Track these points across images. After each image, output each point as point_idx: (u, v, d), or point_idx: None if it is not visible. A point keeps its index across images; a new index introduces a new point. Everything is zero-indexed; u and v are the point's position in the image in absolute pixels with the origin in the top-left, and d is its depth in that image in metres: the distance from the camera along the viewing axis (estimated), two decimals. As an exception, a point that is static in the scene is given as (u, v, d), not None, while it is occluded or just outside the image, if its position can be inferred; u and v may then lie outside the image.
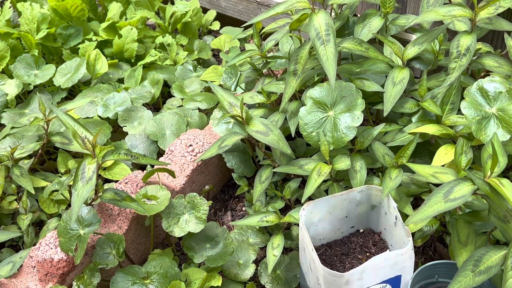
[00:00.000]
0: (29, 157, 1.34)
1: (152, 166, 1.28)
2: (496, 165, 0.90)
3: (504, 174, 1.26)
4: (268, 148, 1.29)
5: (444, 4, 1.26)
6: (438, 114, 1.10)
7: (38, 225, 1.32)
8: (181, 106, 1.50)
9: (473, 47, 1.09)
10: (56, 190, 1.26)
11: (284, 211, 1.31)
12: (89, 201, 1.17)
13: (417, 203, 1.24)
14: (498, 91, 1.02)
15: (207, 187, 1.31)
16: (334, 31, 1.07)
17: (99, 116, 1.44)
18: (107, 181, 1.37)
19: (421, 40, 1.14)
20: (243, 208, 1.36)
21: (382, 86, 1.17)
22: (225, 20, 1.91)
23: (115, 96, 1.46)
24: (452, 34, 1.37)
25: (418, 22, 1.10)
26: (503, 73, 1.12)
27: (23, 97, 1.60)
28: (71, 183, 1.13)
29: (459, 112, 1.08)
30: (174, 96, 1.55)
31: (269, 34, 1.43)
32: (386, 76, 1.16)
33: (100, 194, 1.12)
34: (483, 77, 1.25)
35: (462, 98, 1.05)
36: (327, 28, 1.07)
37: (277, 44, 1.45)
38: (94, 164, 1.05)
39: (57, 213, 1.28)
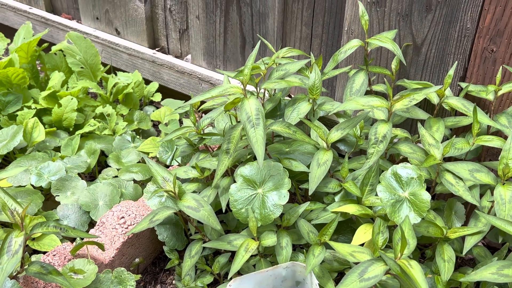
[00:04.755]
0: (-46, 225, 1.31)
1: (82, 238, 1.28)
2: (405, 247, 0.97)
3: (422, 251, 1.35)
4: (200, 221, 1.32)
5: (366, 93, 1.38)
6: (358, 195, 1.18)
7: (-42, 297, 1.27)
8: (117, 176, 1.52)
9: (389, 134, 1.19)
10: (-20, 261, 1.23)
11: (214, 285, 1.33)
12: (15, 274, 1.15)
13: (341, 277, 1.29)
14: (410, 177, 1.12)
15: (137, 260, 1.31)
16: (263, 115, 1.15)
17: (32, 185, 1.44)
18: (36, 251, 1.35)
19: (344, 125, 1.23)
20: (173, 282, 1.37)
21: (309, 166, 1.24)
22: (167, 92, 1.98)
23: (49, 165, 1.46)
24: (375, 119, 1.48)
25: (340, 110, 1.20)
26: (417, 158, 1.23)
27: (-46, 162, 1.58)
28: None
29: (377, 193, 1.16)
30: (110, 166, 1.57)
31: (208, 109, 1.50)
32: (313, 157, 1.24)
33: (26, 266, 1.11)
34: (401, 161, 1.36)
35: (380, 181, 1.13)
36: (257, 113, 1.15)
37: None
38: (22, 237, 1.05)
39: (-21, 285, 1.24)
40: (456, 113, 1.39)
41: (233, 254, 1.30)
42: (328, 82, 1.64)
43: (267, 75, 1.39)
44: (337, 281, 1.28)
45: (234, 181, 1.22)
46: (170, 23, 1.90)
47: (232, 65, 1.78)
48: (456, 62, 1.33)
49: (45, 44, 1.91)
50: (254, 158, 1.36)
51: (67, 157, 1.53)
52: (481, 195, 1.21)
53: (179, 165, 1.52)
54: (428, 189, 1.27)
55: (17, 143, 1.52)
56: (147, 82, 1.99)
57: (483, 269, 1.02)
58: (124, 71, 2.00)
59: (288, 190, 1.19)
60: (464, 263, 1.44)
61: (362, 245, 1.15)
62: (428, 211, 1.17)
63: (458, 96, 1.36)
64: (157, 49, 1.97)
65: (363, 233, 1.15)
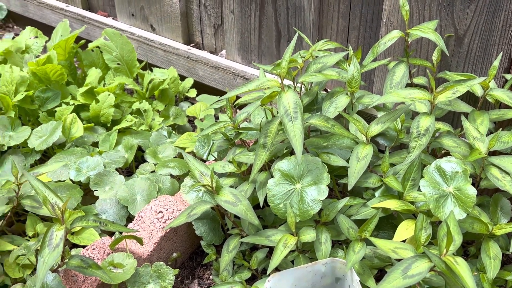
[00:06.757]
0: (-3, 219, 1.33)
1: (121, 232, 1.29)
2: (451, 243, 0.94)
3: (465, 248, 1.31)
4: (237, 216, 1.32)
5: (406, 86, 1.35)
6: (399, 190, 1.15)
7: (1, 290, 1.30)
8: (154, 171, 1.52)
9: (432, 128, 1.15)
10: (23, 255, 1.25)
11: (251, 280, 1.32)
12: (55, 267, 1.16)
13: (382, 274, 1.27)
14: (455, 171, 1.08)
15: (175, 254, 1.31)
16: (301, 109, 1.13)
17: (71, 180, 1.46)
18: (75, 245, 1.37)
19: (384, 119, 1.20)
20: (211, 277, 1.36)
21: (348, 160, 1.22)
22: (202, 87, 1.97)
23: (88, 160, 1.48)
24: (415, 112, 1.44)
25: (381, 102, 1.17)
26: (461, 152, 1.19)
27: (-4, 158, 1.61)
28: (38, 247, 1.13)
29: (420, 188, 1.13)
30: (147, 161, 1.58)
31: (243, 104, 1.49)
32: (352, 151, 1.22)
33: (67, 260, 1.12)
34: (443, 155, 1.32)
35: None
36: (295, 106, 1.13)
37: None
38: (62, 231, 1.06)
39: (22, 278, 1.26)
40: (500, 105, 1.34)
41: (270, 249, 1.29)
42: (366, 75, 1.61)
43: (304, 68, 1.36)
44: (377, 278, 1.25)
45: (272, 176, 1.21)
46: (205, 18, 1.89)
47: (267, 59, 1.77)
48: (501, 53, 1.28)
49: (82, 41, 1.93)
50: (291, 153, 1.34)
51: (105, 152, 1.54)
52: (529, 190, 1.17)
53: (215, 159, 1.51)
54: (472, 185, 1.23)
55: (56, 139, 1.54)
56: (182, 78, 1.99)
57: (533, 267, 0.98)
58: (159, 67, 2.01)
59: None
60: (510, 260, 1.39)
61: (404, 241, 1.12)
62: (472, 207, 1.13)
63: (502, 88, 1.32)
64: (191, 44, 1.96)
65: (405, 229, 1.12)
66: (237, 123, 1.34)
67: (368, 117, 1.51)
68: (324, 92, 1.63)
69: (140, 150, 1.69)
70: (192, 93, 1.91)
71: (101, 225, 1.11)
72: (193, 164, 1.23)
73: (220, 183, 1.22)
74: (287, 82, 1.50)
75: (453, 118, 1.45)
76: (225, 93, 1.87)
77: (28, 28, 2.03)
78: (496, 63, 1.24)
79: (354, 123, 1.20)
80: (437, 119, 1.39)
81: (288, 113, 1.13)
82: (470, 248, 1.28)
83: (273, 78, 1.19)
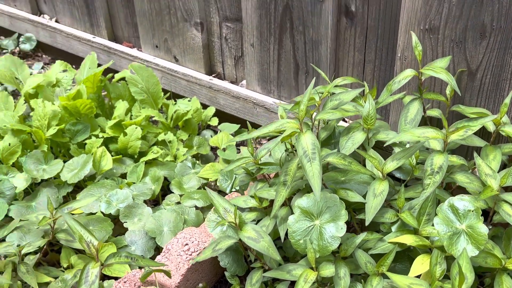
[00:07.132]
0: (34, 252, 1.42)
1: (150, 264, 1.36)
2: (463, 282, 0.98)
3: (481, 279, 1.35)
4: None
5: (421, 119, 1.39)
6: (415, 226, 1.20)
7: (39, 319, 1.38)
8: (179, 202, 1.60)
9: (445, 165, 1.20)
10: None
11: (273, 309, 1.38)
12: (90, 300, 1.24)
13: (399, 304, 1.31)
14: (467, 209, 1.13)
15: (200, 285, 1.38)
16: (319, 149, 1.19)
17: (102, 212, 1.54)
18: (106, 276, 1.45)
19: (399, 156, 1.25)
20: (235, 306, 1.43)
21: (364, 196, 1.27)
22: (223, 116, 2.05)
23: (117, 193, 1.56)
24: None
25: (395, 141, 1.22)
26: (474, 188, 1.23)
27: (30, 189, 1.70)
28: (75, 282, 1.21)
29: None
30: (173, 192, 1.66)
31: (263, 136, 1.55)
32: (368, 187, 1.27)
33: (101, 294, 1.20)
34: (457, 188, 1.36)
35: (436, 212, 1.15)
36: (313, 148, 1.19)
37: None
38: (97, 268, 1.14)
39: (58, 309, 1.35)
40: (513, 138, 1.38)
41: (292, 282, 1.35)
42: (382, 107, 1.66)
43: (321, 105, 1.42)
44: (394, 308, 1.30)
45: (292, 212, 1.27)
46: (226, 50, 1.97)
47: (286, 90, 1.83)
48: (513, 88, 1.32)
49: (110, 75, 2.02)
50: (311, 188, 1.40)
51: (134, 185, 1.62)
52: (541, 225, 1.21)
53: (237, 191, 1.58)
54: (486, 215, 1.27)
55: (87, 172, 1.63)
56: (204, 106, 2.07)
57: (544, 303, 1.02)
58: (182, 96, 2.09)
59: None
60: (525, 289, 1.42)
61: (419, 276, 1.17)
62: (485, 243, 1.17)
63: (515, 122, 1.36)
64: (213, 75, 2.04)
65: (420, 263, 1.17)
66: (258, 159, 1.41)
67: (385, 150, 1.56)
68: (342, 123, 1.69)
69: (166, 180, 1.77)
70: (214, 121, 1.99)
71: (132, 261, 1.18)
72: (218, 201, 1.29)
73: (243, 218, 1.29)
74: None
75: (467, 150, 1.49)
76: (245, 121, 1.94)
77: (58, 62, 2.13)
78: (507, 100, 1.29)
79: (370, 160, 1.26)
80: (451, 151, 1.43)
81: (306, 154, 1.19)
82: (486, 279, 1.31)
83: (292, 120, 1.26)
